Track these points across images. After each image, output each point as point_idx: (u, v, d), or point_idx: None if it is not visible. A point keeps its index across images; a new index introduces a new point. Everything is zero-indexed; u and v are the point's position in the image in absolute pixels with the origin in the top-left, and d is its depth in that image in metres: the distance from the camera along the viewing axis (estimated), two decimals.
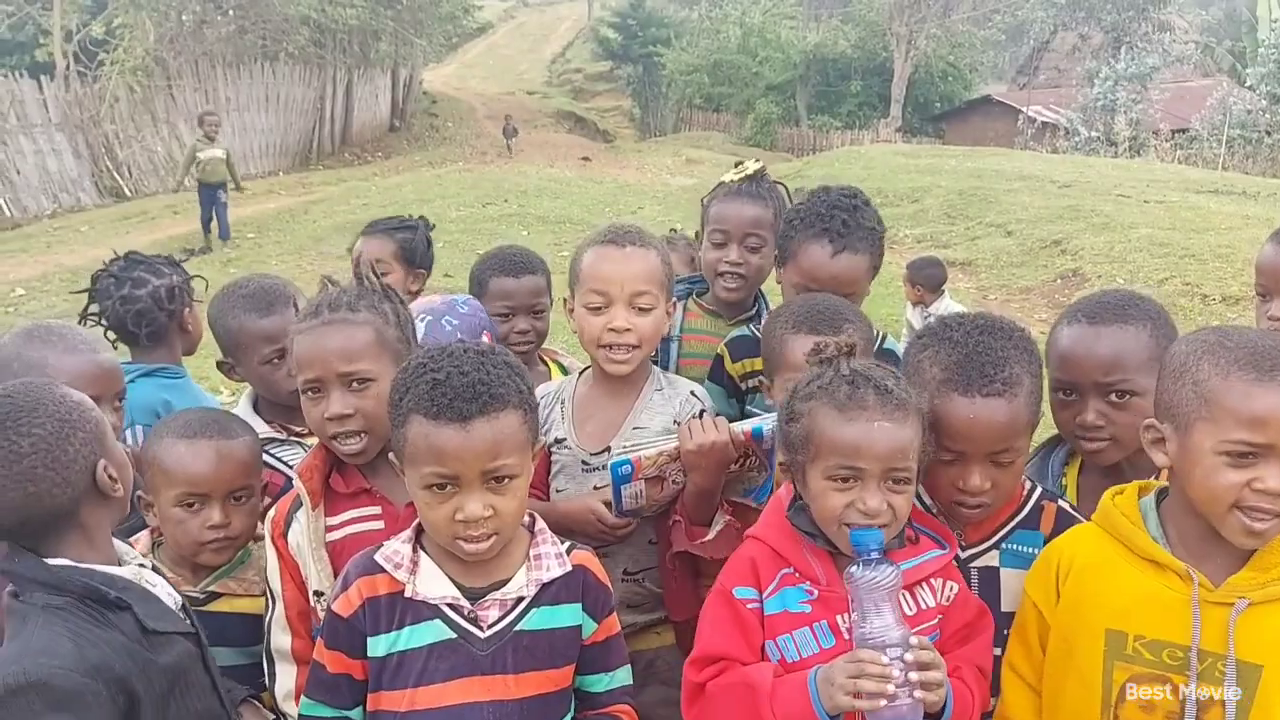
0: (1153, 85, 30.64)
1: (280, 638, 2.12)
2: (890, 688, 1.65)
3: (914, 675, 1.67)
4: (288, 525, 2.11)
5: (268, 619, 2.16)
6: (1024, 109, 33.56)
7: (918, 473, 1.86)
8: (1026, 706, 1.90)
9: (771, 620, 1.88)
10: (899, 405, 1.81)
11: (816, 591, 1.88)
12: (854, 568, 1.74)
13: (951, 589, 1.94)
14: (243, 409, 2.64)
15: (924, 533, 1.96)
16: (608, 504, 2.36)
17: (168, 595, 1.87)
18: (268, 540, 2.15)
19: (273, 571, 2.14)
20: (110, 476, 1.76)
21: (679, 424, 2.39)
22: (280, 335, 2.51)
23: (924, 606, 1.90)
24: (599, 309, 2.36)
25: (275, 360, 2.56)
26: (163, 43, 22.26)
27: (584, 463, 2.43)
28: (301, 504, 2.10)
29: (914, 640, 1.70)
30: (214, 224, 14.20)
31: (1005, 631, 1.98)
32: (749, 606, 1.89)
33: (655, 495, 2.34)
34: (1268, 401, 1.60)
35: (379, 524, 2.09)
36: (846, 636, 1.84)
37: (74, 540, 1.76)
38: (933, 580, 1.92)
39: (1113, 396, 2.08)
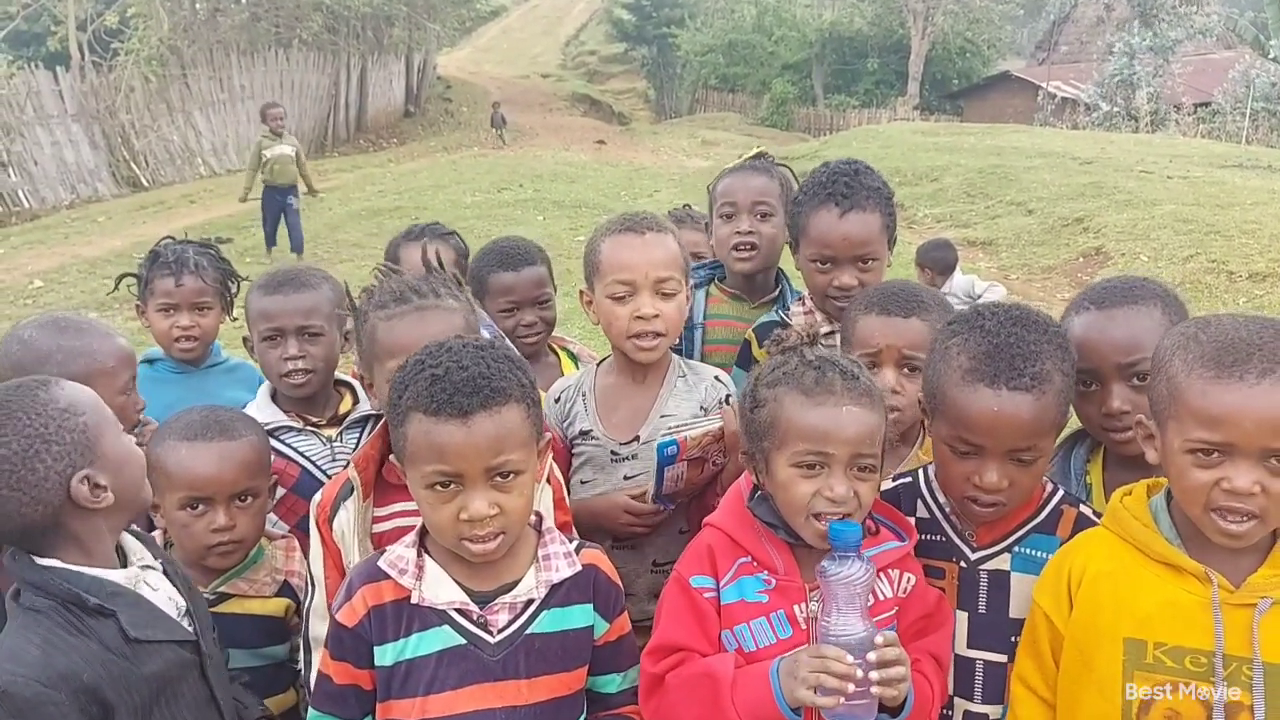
0: (1174, 58, 30.19)
1: (319, 625, 2.09)
2: (850, 687, 1.64)
3: (875, 675, 1.66)
4: (334, 511, 2.08)
5: (306, 605, 2.14)
6: (1043, 85, 33.16)
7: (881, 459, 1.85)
8: None
9: (728, 609, 1.87)
10: (865, 391, 1.81)
11: (774, 581, 1.87)
12: (827, 562, 1.73)
13: (909, 580, 1.92)
14: (261, 396, 2.64)
15: (884, 524, 1.94)
16: (637, 496, 2.34)
17: (168, 600, 1.84)
18: (312, 525, 2.12)
19: (315, 557, 2.11)
20: (97, 485, 1.73)
21: (704, 409, 2.39)
22: (278, 315, 2.54)
23: (881, 597, 1.88)
24: (624, 298, 2.33)
25: (271, 338, 2.55)
26: (177, 31, 22.28)
27: (613, 453, 2.41)
28: (352, 491, 2.07)
29: (879, 639, 1.69)
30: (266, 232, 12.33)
31: (1012, 638, 1.93)
32: (706, 596, 1.88)
33: (694, 478, 2.32)
34: (1224, 400, 1.56)
35: None
36: (804, 627, 1.83)
37: (65, 545, 1.74)
38: (890, 571, 1.90)
39: (1134, 380, 2.01)
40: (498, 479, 1.73)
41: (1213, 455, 1.59)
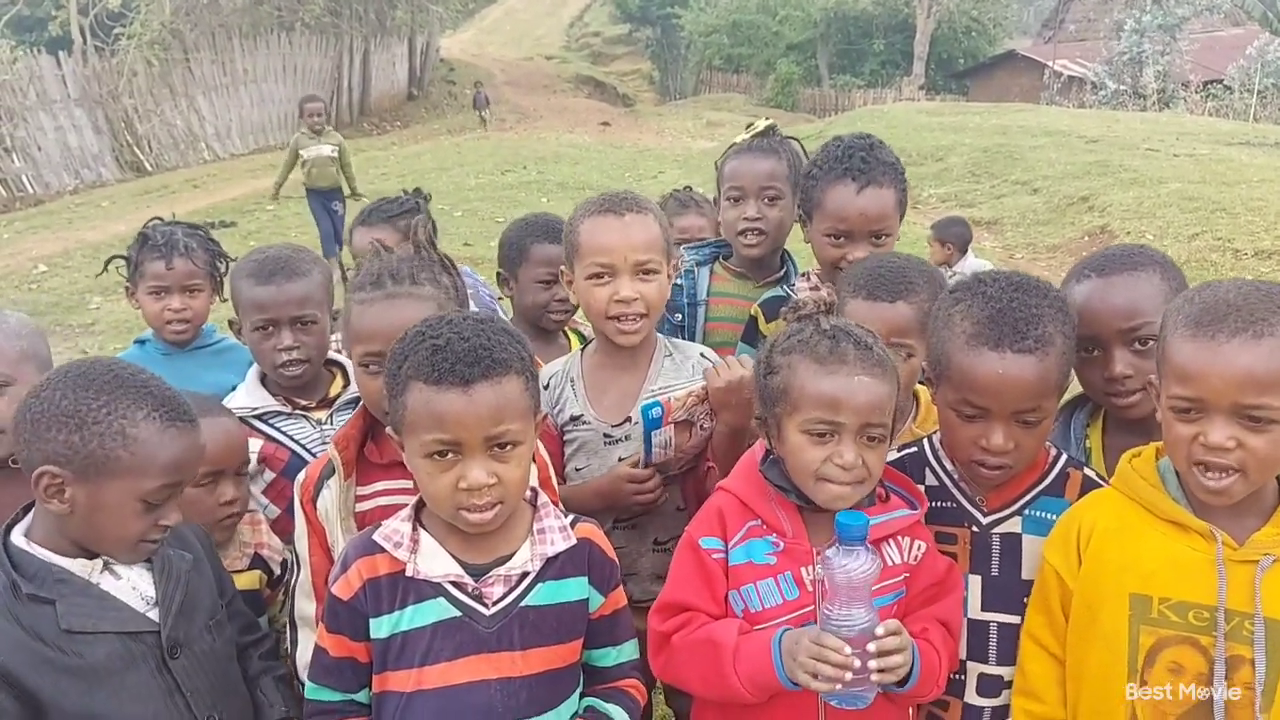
0: (1182, 36, 30.00)
1: (304, 604, 2.11)
2: (848, 676, 1.66)
3: (874, 664, 1.68)
4: (317, 492, 2.09)
5: (292, 585, 2.15)
6: (1049, 63, 32.96)
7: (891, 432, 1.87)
8: (1049, 676, 1.88)
9: (736, 570, 1.91)
10: (878, 362, 1.83)
11: (782, 544, 1.90)
12: (831, 552, 1.73)
13: (919, 548, 1.94)
14: (250, 380, 2.64)
15: (895, 491, 1.96)
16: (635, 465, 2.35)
17: (130, 590, 1.80)
18: (296, 505, 2.13)
19: (300, 537, 2.12)
20: (60, 490, 1.70)
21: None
22: (271, 306, 2.52)
23: (890, 563, 1.90)
24: (603, 280, 2.32)
25: (264, 328, 2.54)
26: (179, 15, 22.18)
27: (606, 435, 2.40)
28: (334, 471, 2.07)
29: (880, 630, 1.70)
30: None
31: (1024, 600, 1.95)
32: (714, 556, 1.91)
33: (683, 443, 2.32)
34: (1196, 357, 1.63)
35: (411, 497, 2.02)
36: (810, 589, 1.86)
37: (40, 522, 1.75)
38: (900, 538, 1.93)
39: (1136, 344, 2.05)
40: (496, 449, 1.74)
41: (1190, 411, 1.65)
